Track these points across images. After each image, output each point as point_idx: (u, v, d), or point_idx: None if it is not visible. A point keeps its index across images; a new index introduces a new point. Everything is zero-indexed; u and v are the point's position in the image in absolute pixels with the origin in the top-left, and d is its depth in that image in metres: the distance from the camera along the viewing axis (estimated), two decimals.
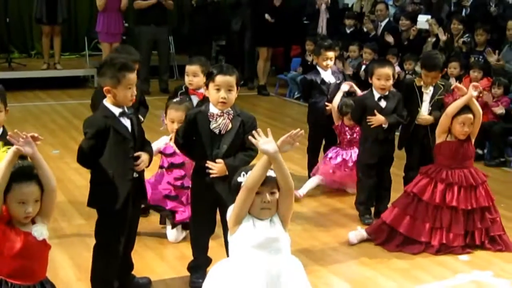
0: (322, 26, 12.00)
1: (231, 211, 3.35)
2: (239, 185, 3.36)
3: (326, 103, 6.69)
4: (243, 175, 3.37)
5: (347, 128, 6.61)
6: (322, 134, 6.93)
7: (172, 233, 5.37)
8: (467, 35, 9.61)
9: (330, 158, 6.64)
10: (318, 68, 6.85)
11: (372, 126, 5.84)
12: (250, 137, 3.33)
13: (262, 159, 3.24)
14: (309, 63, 11.01)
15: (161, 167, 5.37)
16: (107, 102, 4.12)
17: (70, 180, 6.88)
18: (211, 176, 4.34)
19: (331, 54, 6.77)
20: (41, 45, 13.07)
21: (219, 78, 4.31)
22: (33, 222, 3.28)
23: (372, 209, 6.05)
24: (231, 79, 4.33)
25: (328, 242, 5.57)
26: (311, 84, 6.84)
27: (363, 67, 10.11)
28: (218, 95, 4.31)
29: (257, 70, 12.42)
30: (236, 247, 3.35)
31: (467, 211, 5.31)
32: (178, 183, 5.26)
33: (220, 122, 4.34)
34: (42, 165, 3.23)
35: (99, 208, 4.23)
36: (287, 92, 12.26)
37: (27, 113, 10.22)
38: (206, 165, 4.34)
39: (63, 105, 11.13)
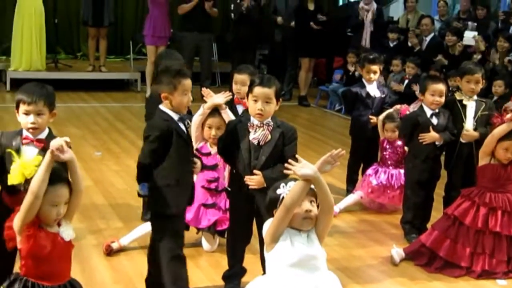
0: (365, 39, 11.94)
1: (267, 227, 3.34)
2: (277, 197, 3.36)
3: (370, 117, 6.65)
4: (283, 187, 3.37)
5: (388, 145, 6.56)
6: (363, 149, 6.89)
7: (207, 242, 5.39)
8: None
9: (369, 175, 6.60)
10: (363, 81, 6.83)
11: (424, 143, 5.78)
12: (287, 166, 3.32)
13: (301, 181, 3.24)
14: (350, 73, 10.98)
15: None
16: (163, 108, 4.18)
17: (111, 182, 6.95)
18: (249, 187, 4.36)
19: (375, 67, 6.74)
20: (87, 47, 13.26)
21: (257, 90, 4.31)
22: (59, 224, 3.31)
23: None
24: (269, 92, 4.32)
25: (364, 258, 5.53)
26: (355, 97, 6.81)
27: (406, 81, 10.06)
28: (255, 106, 4.32)
29: (299, 80, 12.42)
30: (273, 265, 3.33)
31: (510, 237, 5.21)
32: (212, 185, 5.25)
33: (259, 133, 4.34)
34: (76, 169, 3.27)
35: (162, 213, 4.21)
36: (327, 104, 12.24)
37: (70, 114, 10.36)
38: (245, 178, 4.36)
39: (106, 107, 11.25)
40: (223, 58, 13.54)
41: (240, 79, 5.56)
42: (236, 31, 12.47)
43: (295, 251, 3.27)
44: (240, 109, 5.56)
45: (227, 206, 5.21)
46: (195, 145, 5.15)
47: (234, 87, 5.61)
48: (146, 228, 5.27)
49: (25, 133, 3.78)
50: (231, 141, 4.43)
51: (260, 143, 4.34)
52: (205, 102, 5.09)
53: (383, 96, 6.80)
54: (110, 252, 5.22)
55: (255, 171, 4.34)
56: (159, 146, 4.10)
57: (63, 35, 14.19)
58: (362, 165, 6.97)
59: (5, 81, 12.25)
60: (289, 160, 3.33)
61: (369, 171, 6.65)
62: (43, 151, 3.58)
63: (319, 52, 12.38)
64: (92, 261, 5.00)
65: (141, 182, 4.20)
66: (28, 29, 11.98)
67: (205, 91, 5.16)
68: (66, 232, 3.29)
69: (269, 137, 4.34)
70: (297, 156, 3.34)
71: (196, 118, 5.07)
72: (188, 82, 4.19)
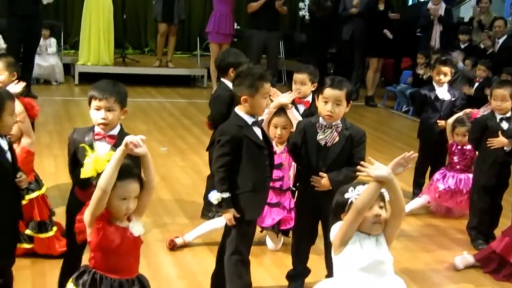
0: (435, 39, 11.76)
1: (336, 230, 3.31)
2: (345, 201, 3.32)
3: (438, 121, 6.54)
4: (351, 190, 3.33)
5: (456, 149, 6.43)
6: (431, 152, 6.77)
7: (272, 241, 5.38)
8: None
9: (437, 180, 6.48)
10: (434, 83, 6.72)
11: (492, 148, 5.65)
12: (359, 168, 3.28)
13: (373, 183, 3.19)
14: (420, 76, 10.81)
15: None
16: (239, 111, 4.17)
17: (176, 178, 7.01)
18: (315, 189, 4.33)
19: (446, 69, 6.61)
20: (154, 42, 13.44)
21: (328, 91, 4.28)
22: (129, 219, 3.33)
23: None
24: (340, 94, 4.28)
25: (429, 263, 5.44)
26: (424, 99, 6.70)
27: (476, 84, 9.86)
28: (325, 108, 4.28)
29: (366, 80, 12.31)
30: (342, 268, 3.30)
31: None
32: (277, 184, 5.23)
33: (327, 134, 4.31)
34: (150, 166, 3.28)
35: (237, 218, 4.16)
36: (395, 105, 12.09)
37: (137, 109, 10.48)
38: (311, 179, 4.33)
39: (173, 103, 11.36)
40: (290, 56, 13.53)
41: (300, 79, 5.53)
42: (305, 29, 12.42)
43: (364, 255, 3.23)
44: (301, 108, 5.53)
45: (291, 206, 5.21)
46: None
47: (294, 86, 5.56)
48: (211, 225, 5.31)
49: (97, 129, 3.82)
50: (300, 141, 4.41)
51: (328, 145, 4.31)
52: (271, 101, 5.07)
53: (453, 99, 6.66)
54: (173, 247, 5.26)
55: (321, 173, 4.31)
56: (230, 151, 4.08)
57: (131, 31, 14.42)
58: (429, 169, 6.85)
59: (73, 74, 12.49)
60: (362, 162, 3.29)
61: (437, 175, 6.54)
62: (114, 147, 3.61)
63: (388, 52, 12.25)
64: (158, 256, 5.05)
65: (215, 188, 4.10)
66: (96, 24, 12.18)
67: (272, 90, 5.13)
68: (136, 227, 3.30)
69: (337, 138, 4.30)
70: (369, 158, 3.30)
71: (262, 117, 5.06)
72: (269, 86, 4.17)
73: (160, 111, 10.66)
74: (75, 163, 3.82)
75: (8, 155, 3.86)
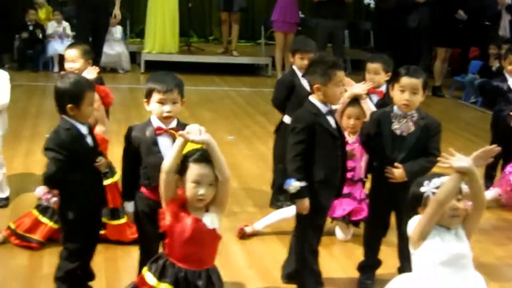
0: (505, 29, 11.48)
1: (414, 224, 3.24)
2: (421, 195, 3.26)
3: (511, 113, 6.37)
4: (427, 184, 3.26)
5: None
6: (504, 145, 6.59)
7: (342, 231, 5.34)
8: None
9: (509, 173, 6.33)
10: (506, 74, 6.54)
11: None
12: (440, 159, 3.22)
13: (455, 175, 3.12)
14: (493, 69, 10.56)
15: None
16: (313, 99, 4.13)
17: (243, 167, 7.01)
18: (390, 180, 4.27)
19: None
20: (219, 31, 13.49)
21: (405, 80, 4.22)
22: (207, 210, 3.32)
23: None
24: (417, 82, 4.21)
25: (503, 258, 5.31)
26: (496, 91, 6.54)
27: None
28: (402, 97, 4.22)
29: (434, 70, 12.10)
30: (421, 263, 3.24)
31: None
32: (349, 175, 5.17)
33: (403, 123, 4.24)
34: (216, 154, 3.24)
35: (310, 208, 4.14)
36: (463, 95, 11.86)
37: (203, 97, 10.55)
38: (385, 170, 4.27)
39: (237, 91, 11.38)
40: (356, 45, 13.41)
41: (373, 68, 5.45)
42: (371, 18, 12.29)
43: (445, 248, 3.17)
44: (374, 98, 5.45)
45: (362, 196, 5.16)
46: None
47: (367, 76, 5.47)
48: (281, 214, 5.30)
49: (155, 123, 3.77)
50: (374, 131, 4.35)
51: (403, 134, 4.24)
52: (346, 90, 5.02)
53: None
54: (243, 235, 5.27)
55: (396, 164, 4.24)
56: (305, 138, 4.05)
57: (196, 19, 14.48)
58: (501, 161, 6.69)
59: (139, 63, 12.63)
60: (443, 154, 3.22)
61: (509, 168, 6.38)
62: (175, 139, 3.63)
63: (456, 41, 12.01)
64: (228, 245, 5.06)
65: (291, 176, 4.05)
66: (162, 12, 12.30)
67: (346, 79, 5.08)
68: (210, 219, 3.29)
69: (412, 128, 4.23)
70: (450, 149, 3.22)
71: (336, 107, 5.01)
72: (342, 74, 4.14)
73: (225, 99, 10.69)
74: (138, 162, 3.80)
75: (89, 140, 3.90)
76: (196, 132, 3.23)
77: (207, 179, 3.24)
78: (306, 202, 4.06)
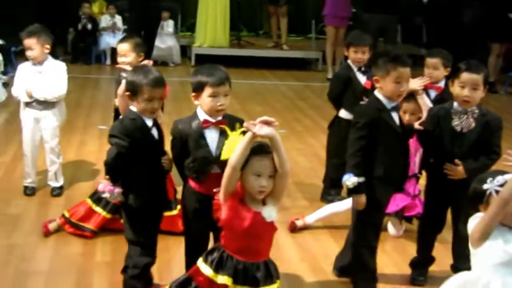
0: None
1: (475, 222, 3.17)
2: (483, 192, 3.18)
3: None
4: (490, 181, 3.18)
5: None
6: None
7: (394, 227, 5.28)
8: None
9: None
10: None
11: None
12: (507, 157, 3.15)
13: None
14: None
15: None
16: (379, 94, 4.05)
17: (295, 161, 6.98)
18: (449, 177, 4.19)
19: None
20: (269, 25, 13.46)
21: (465, 76, 4.12)
22: (264, 203, 3.31)
23: None
24: (478, 78, 4.12)
25: None
26: None
27: None
28: (462, 92, 4.13)
29: (488, 66, 11.87)
30: (481, 262, 3.17)
31: None
32: None
33: (463, 120, 4.17)
34: (278, 147, 3.21)
35: (367, 204, 4.09)
36: None
37: (252, 91, 10.55)
38: (444, 166, 4.19)
39: (288, 85, 11.35)
40: (409, 40, 13.26)
41: (432, 63, 5.37)
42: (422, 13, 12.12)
43: (508, 249, 3.08)
44: (432, 94, 5.38)
45: (416, 192, 5.10)
46: None
47: (426, 71, 5.40)
48: (332, 208, 5.27)
49: (202, 116, 3.74)
50: (433, 127, 4.28)
51: (463, 131, 4.17)
52: None
53: None
54: (294, 229, 5.25)
55: (456, 161, 4.16)
56: (367, 134, 3.97)
57: (246, 13, 14.47)
58: None
59: (190, 56, 12.68)
60: (508, 151, 3.15)
61: None
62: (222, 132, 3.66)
63: (511, 36, 11.77)
64: (279, 238, 5.02)
65: (350, 171, 3.99)
66: (213, 6, 12.34)
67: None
68: (268, 212, 3.28)
69: (473, 124, 4.15)
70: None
71: None
72: (405, 71, 3.98)
73: (276, 93, 10.67)
74: (185, 156, 3.78)
75: (154, 132, 3.88)
76: (260, 126, 3.19)
77: (268, 170, 3.23)
78: (362, 198, 4.01)
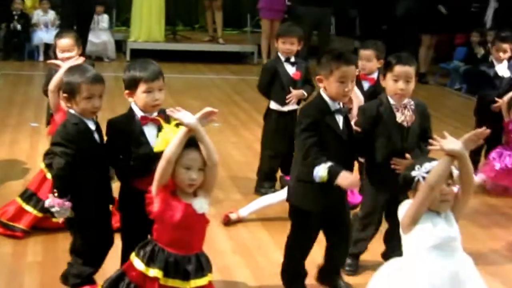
0: (488, 15, 11.53)
1: (405, 209, 3.26)
2: (412, 178, 3.26)
3: (496, 99, 6.41)
4: (418, 168, 3.27)
5: None
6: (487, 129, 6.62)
7: None
8: None
9: (493, 159, 6.37)
10: (492, 60, 6.59)
11: None
12: (432, 141, 3.21)
13: (445, 158, 3.13)
14: (478, 56, 10.58)
15: None
16: (323, 93, 3.83)
17: (229, 154, 7.02)
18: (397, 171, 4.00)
19: (505, 46, 6.49)
20: (204, 19, 13.45)
21: (398, 69, 4.11)
22: (195, 195, 3.32)
23: None
24: (410, 70, 4.12)
25: (487, 242, 5.35)
26: (482, 76, 6.58)
27: None
28: (396, 86, 4.11)
29: (419, 57, 12.11)
30: (413, 247, 3.26)
31: None
32: None
33: (406, 114, 4.16)
34: (203, 138, 3.24)
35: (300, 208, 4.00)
36: (448, 82, 11.89)
37: (188, 85, 10.53)
38: (393, 161, 4.08)
39: (223, 79, 11.37)
40: (342, 32, 13.41)
41: (365, 55, 5.45)
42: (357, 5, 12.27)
43: (436, 233, 3.18)
44: (366, 85, 5.46)
45: None
46: None
47: (360, 62, 5.37)
48: (265, 201, 5.31)
49: (139, 113, 3.69)
50: (372, 127, 4.15)
51: (408, 125, 4.15)
52: None
53: None
54: (227, 222, 5.28)
55: (407, 155, 4.06)
56: (314, 133, 3.74)
57: (182, 7, 14.42)
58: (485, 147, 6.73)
59: (125, 51, 12.58)
60: (434, 136, 3.22)
61: (493, 154, 6.43)
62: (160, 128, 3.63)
63: (442, 28, 12.03)
64: (213, 231, 5.07)
65: (314, 167, 3.71)
66: (148, 0, 12.27)
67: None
68: (199, 204, 3.30)
69: (414, 117, 4.16)
70: (444, 132, 3.22)
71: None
72: (349, 69, 3.75)
73: (211, 87, 10.68)
74: (129, 155, 3.69)
75: (96, 136, 3.78)
76: (184, 114, 3.23)
77: (197, 163, 3.25)
78: (345, 175, 3.65)
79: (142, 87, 3.65)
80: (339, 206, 4.02)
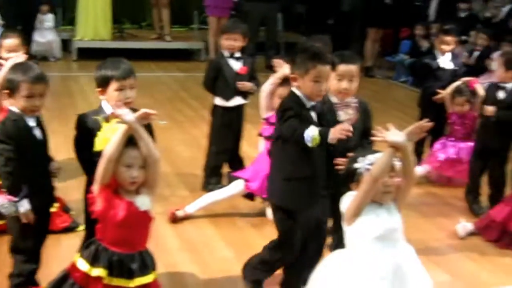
0: (432, 9, 11.71)
1: (348, 201, 3.29)
2: (354, 171, 3.30)
3: (439, 90, 6.52)
4: (361, 160, 3.31)
5: (456, 119, 6.43)
6: (431, 121, 6.70)
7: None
8: None
9: (437, 149, 6.49)
10: (436, 52, 6.71)
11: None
12: (375, 133, 3.25)
13: (388, 150, 3.17)
14: (422, 49, 10.74)
15: (260, 134, 5.26)
16: (297, 91, 3.75)
17: (176, 151, 7.01)
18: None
19: (448, 38, 6.60)
20: (151, 16, 13.37)
21: (342, 68, 4.07)
22: (138, 193, 3.32)
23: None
24: (354, 69, 4.10)
25: (431, 232, 5.46)
26: (426, 68, 6.69)
27: (476, 53, 9.83)
28: (340, 85, 4.09)
29: (365, 51, 12.25)
30: (356, 238, 3.30)
31: None
32: None
33: (350, 114, 4.14)
34: (141, 136, 3.23)
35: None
36: (394, 75, 12.05)
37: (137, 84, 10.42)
38: (336, 161, 3.93)
39: (171, 76, 11.35)
40: (290, 28, 13.46)
41: None
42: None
43: (379, 224, 3.23)
44: None
45: None
46: (263, 115, 5.12)
47: None
48: (212, 197, 5.32)
49: (108, 110, 3.71)
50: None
51: (351, 123, 4.00)
52: (270, 72, 5.05)
53: (455, 68, 6.66)
54: (174, 219, 5.27)
55: (349, 155, 3.88)
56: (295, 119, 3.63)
57: (129, 5, 14.29)
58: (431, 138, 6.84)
59: (71, 50, 12.43)
60: (378, 127, 3.24)
61: (437, 145, 6.55)
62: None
63: (387, 22, 12.17)
64: (159, 229, 5.06)
65: (303, 131, 3.58)
66: None
67: (277, 61, 5.10)
68: (141, 201, 3.29)
69: (357, 115, 4.15)
70: (388, 124, 3.25)
71: (266, 88, 5.00)
72: (325, 69, 3.68)
73: (159, 85, 10.63)
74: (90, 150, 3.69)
75: (37, 132, 3.77)
76: (126, 112, 3.23)
77: (138, 161, 3.24)
78: (334, 129, 3.55)
79: (113, 85, 3.71)
80: (321, 215, 3.97)
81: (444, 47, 6.64)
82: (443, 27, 6.85)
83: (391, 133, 3.17)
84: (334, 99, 4.16)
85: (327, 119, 3.95)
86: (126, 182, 3.25)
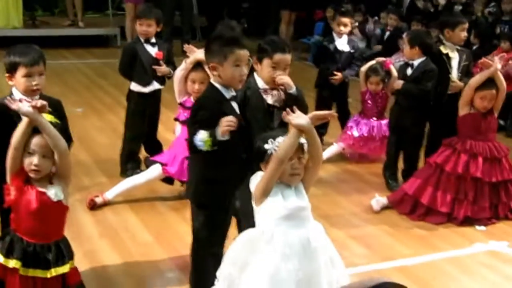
0: None
1: (256, 181, 3.34)
2: (264, 151, 3.36)
3: (335, 72, 6.67)
4: (271, 142, 3.35)
5: (369, 97, 6.60)
6: (326, 101, 6.86)
7: None
8: (493, 4, 9.49)
9: (351, 127, 6.65)
10: (334, 34, 6.83)
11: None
12: (284, 114, 3.30)
13: (293, 131, 3.24)
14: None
15: (176, 119, 5.30)
16: (215, 82, 3.68)
17: (93, 138, 6.95)
18: None
19: (345, 20, 6.72)
20: (64, 3, 13.12)
21: (279, 57, 4.01)
22: (52, 183, 3.30)
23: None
24: (289, 57, 4.09)
25: (348, 207, 5.61)
26: (323, 50, 6.82)
27: (387, 33, 10.06)
28: (274, 73, 4.01)
29: (279, 33, 12.34)
30: (264, 218, 3.35)
31: (491, 184, 5.29)
32: None
33: (275, 96, 4.07)
34: (44, 127, 3.20)
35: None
36: (309, 57, 12.20)
37: (50, 72, 10.02)
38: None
39: (87, 64, 11.19)
40: (204, 13, 13.44)
41: None
42: None
43: (287, 204, 3.28)
44: None
45: None
46: (178, 99, 5.14)
47: None
48: (131, 182, 5.32)
49: (18, 96, 3.65)
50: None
51: (279, 105, 4.06)
52: (186, 56, 5.06)
53: (352, 51, 6.80)
54: (93, 206, 5.24)
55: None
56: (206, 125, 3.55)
57: None
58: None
59: None
60: (287, 109, 3.30)
61: (351, 123, 6.70)
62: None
63: (300, 5, 12.31)
64: (78, 216, 5.03)
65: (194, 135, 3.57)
66: None
67: (188, 47, 5.12)
68: (53, 191, 3.26)
69: (283, 96, 4.08)
70: (294, 107, 3.31)
71: (179, 73, 5.02)
72: (243, 53, 3.64)
73: (74, 72, 10.49)
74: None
75: None
76: (23, 104, 3.20)
77: (41, 150, 3.21)
78: (218, 127, 3.52)
79: (21, 72, 3.68)
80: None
81: (342, 28, 6.74)
82: (339, 9, 6.94)
83: (296, 116, 3.23)
84: (260, 84, 4.10)
85: (252, 104, 3.95)
86: (28, 169, 3.22)
